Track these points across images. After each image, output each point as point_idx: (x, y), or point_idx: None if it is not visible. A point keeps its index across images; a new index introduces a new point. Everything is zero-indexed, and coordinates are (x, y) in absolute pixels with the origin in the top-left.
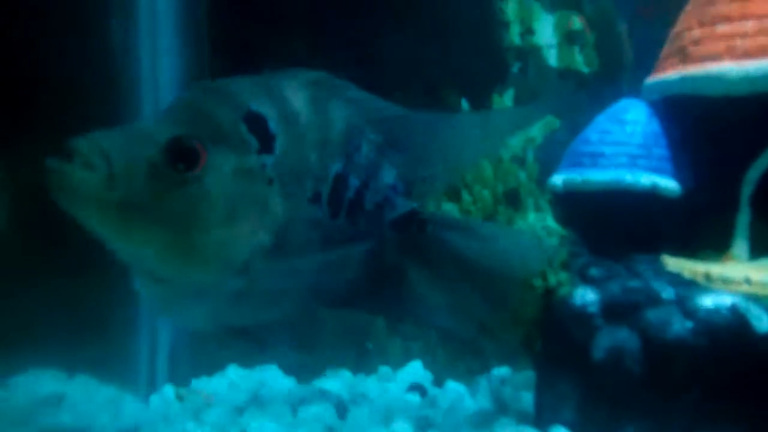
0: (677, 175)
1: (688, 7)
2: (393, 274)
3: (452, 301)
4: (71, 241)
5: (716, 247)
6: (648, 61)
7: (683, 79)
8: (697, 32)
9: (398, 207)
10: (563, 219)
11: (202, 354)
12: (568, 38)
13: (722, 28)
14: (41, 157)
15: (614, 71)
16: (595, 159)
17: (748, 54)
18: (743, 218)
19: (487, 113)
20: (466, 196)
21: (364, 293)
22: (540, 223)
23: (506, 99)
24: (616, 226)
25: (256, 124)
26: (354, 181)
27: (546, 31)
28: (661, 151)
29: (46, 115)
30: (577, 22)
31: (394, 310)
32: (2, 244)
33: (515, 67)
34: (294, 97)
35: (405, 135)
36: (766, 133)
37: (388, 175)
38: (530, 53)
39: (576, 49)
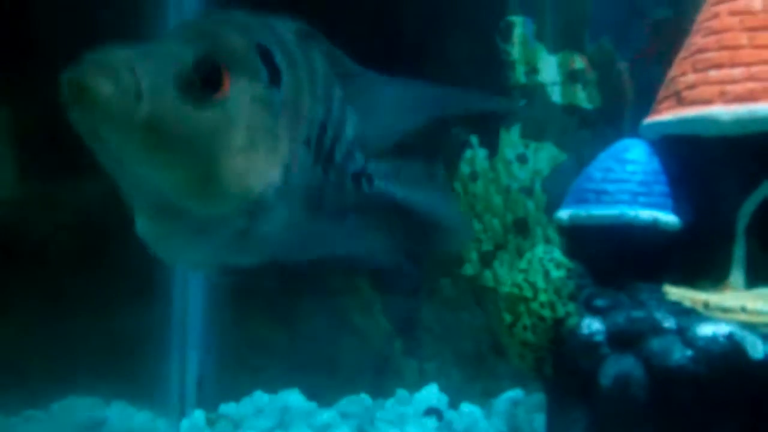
0: (677, 210)
1: (683, 54)
2: (347, 224)
3: (390, 244)
4: (107, 277)
5: (715, 277)
6: (649, 98)
7: (680, 122)
8: (691, 77)
9: (357, 161)
10: (569, 252)
11: (229, 380)
12: (571, 77)
13: (714, 74)
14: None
15: (616, 107)
16: (598, 196)
17: (738, 98)
18: (739, 249)
19: (434, 86)
20: (476, 225)
21: (327, 241)
22: (548, 256)
23: (513, 133)
24: (620, 258)
25: (266, 55)
26: (330, 132)
27: (550, 70)
28: (661, 187)
29: None
30: (579, 62)
31: (346, 257)
32: (43, 279)
33: (521, 104)
34: (288, 38)
35: (361, 93)
36: (757, 171)
37: (350, 129)
38: (535, 91)
39: (578, 86)
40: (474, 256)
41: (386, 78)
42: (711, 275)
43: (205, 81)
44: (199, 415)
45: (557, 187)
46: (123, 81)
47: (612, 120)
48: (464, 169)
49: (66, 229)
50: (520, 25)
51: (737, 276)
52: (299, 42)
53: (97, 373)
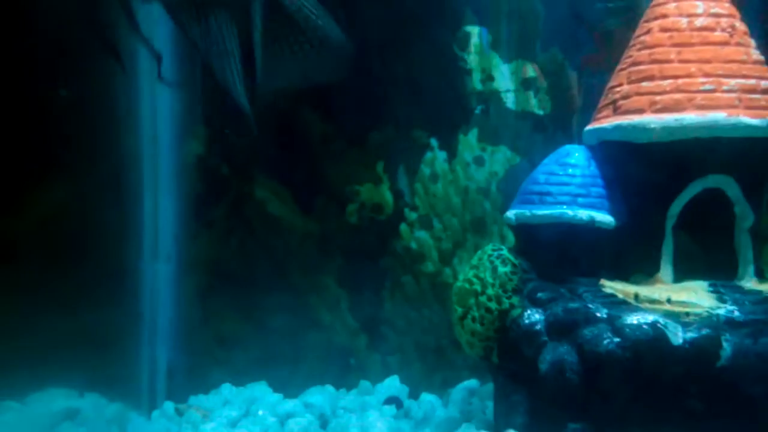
0: (612, 210)
1: (620, 66)
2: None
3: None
4: (82, 275)
5: (646, 271)
6: (596, 104)
7: (615, 129)
8: (626, 88)
9: None
10: (517, 249)
11: (198, 374)
12: (524, 84)
13: (646, 86)
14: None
15: (565, 113)
16: (542, 197)
17: (666, 108)
18: (668, 246)
19: None
20: (437, 224)
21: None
22: (496, 253)
23: (471, 137)
24: (561, 254)
25: None
26: None
27: (504, 78)
28: (598, 189)
29: None
30: (531, 71)
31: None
32: (21, 275)
33: (478, 110)
34: None
35: None
36: (684, 174)
37: None
38: (491, 97)
39: (531, 94)
40: (434, 254)
41: None
42: (643, 270)
43: None
44: (168, 406)
45: (512, 188)
46: None
47: (562, 125)
48: (425, 170)
49: (38, 227)
50: (476, 35)
51: (666, 270)
52: None
53: (71, 365)
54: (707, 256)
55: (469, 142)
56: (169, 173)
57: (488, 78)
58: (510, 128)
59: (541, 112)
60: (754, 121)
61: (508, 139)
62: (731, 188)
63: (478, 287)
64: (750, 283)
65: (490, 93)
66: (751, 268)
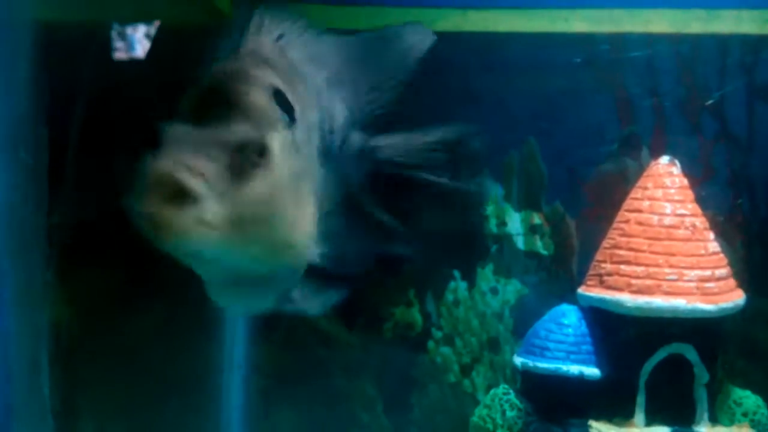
0: (599, 364)
1: (605, 243)
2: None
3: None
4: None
5: (624, 416)
6: (590, 248)
7: (600, 300)
8: (609, 266)
9: (354, 142)
10: (521, 389)
11: None
12: (531, 229)
13: (624, 269)
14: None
15: (565, 254)
16: (542, 351)
17: (639, 291)
18: (641, 397)
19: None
20: (458, 342)
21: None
22: (506, 397)
23: (487, 271)
24: (557, 400)
25: (280, 98)
26: (327, 129)
27: (515, 224)
28: (587, 347)
29: None
30: (537, 218)
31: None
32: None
33: (493, 249)
34: (282, 58)
35: (347, 69)
36: (653, 341)
37: (340, 116)
38: (504, 239)
39: (537, 237)
40: (456, 367)
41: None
42: (622, 415)
43: (251, 157)
44: None
45: (521, 314)
46: (197, 194)
47: (562, 263)
48: (449, 297)
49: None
50: (491, 190)
51: (639, 417)
52: (284, 47)
53: None
54: (672, 406)
55: (486, 275)
56: None
57: (502, 223)
58: (520, 265)
59: (545, 253)
60: (708, 307)
61: (518, 274)
62: (691, 354)
63: (490, 426)
64: (704, 428)
65: (504, 235)
66: (706, 415)
